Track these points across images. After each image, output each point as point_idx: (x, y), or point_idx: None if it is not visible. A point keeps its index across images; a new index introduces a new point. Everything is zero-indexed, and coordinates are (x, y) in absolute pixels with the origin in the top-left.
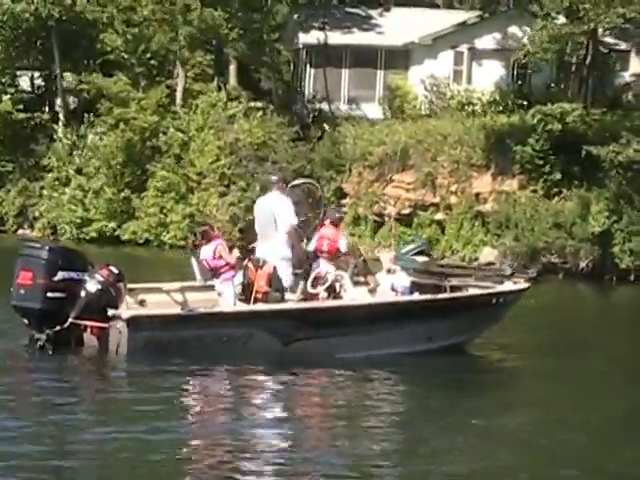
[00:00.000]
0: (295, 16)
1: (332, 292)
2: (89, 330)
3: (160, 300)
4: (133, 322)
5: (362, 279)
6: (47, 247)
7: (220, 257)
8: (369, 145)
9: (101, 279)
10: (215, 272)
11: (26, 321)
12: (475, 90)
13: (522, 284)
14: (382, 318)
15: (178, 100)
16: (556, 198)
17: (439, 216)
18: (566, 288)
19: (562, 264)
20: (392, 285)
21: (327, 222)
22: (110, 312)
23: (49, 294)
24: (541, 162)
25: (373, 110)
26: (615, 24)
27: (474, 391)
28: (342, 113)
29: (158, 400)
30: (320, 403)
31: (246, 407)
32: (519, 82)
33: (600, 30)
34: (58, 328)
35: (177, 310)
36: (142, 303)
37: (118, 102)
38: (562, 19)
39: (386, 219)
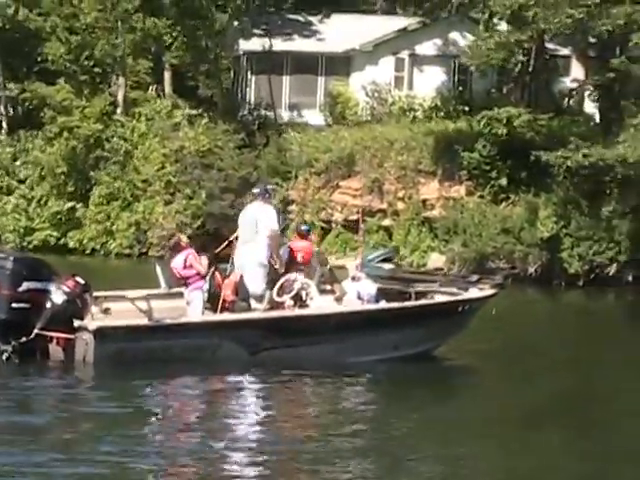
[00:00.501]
0: (235, 23)
1: (298, 300)
2: (55, 341)
3: (124, 308)
4: (100, 333)
5: (328, 287)
6: (12, 257)
7: (190, 266)
8: (315, 152)
9: (67, 290)
10: (185, 281)
11: None
12: (416, 96)
13: (488, 291)
14: (349, 327)
15: (119, 108)
16: (503, 204)
17: (386, 222)
18: (515, 293)
19: (510, 269)
20: (358, 293)
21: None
22: (76, 323)
23: (14, 305)
24: (488, 168)
25: (314, 116)
26: (564, 25)
27: (428, 394)
28: (284, 120)
29: (128, 412)
30: (294, 413)
31: (217, 417)
32: (460, 88)
33: (546, 36)
34: (24, 339)
35: (144, 321)
36: (106, 311)
37: (61, 111)
38: (504, 25)
39: (333, 225)
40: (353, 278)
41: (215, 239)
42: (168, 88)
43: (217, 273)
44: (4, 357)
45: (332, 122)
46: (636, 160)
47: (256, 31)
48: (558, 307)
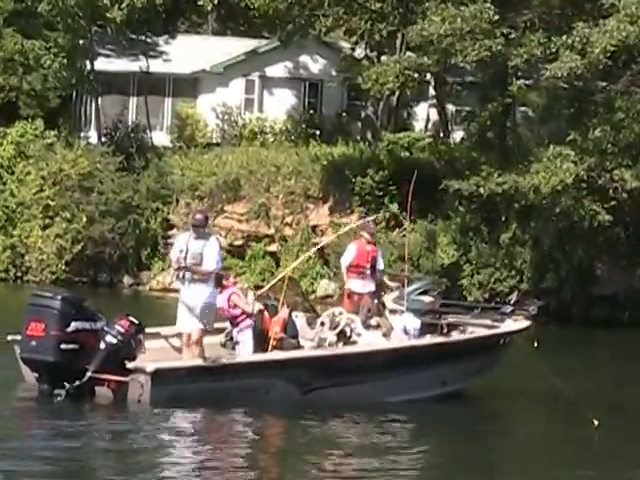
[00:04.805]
0: (80, 42)
1: (343, 337)
2: (105, 384)
3: (160, 346)
4: (157, 375)
5: (373, 322)
6: (59, 296)
7: (235, 306)
8: (198, 175)
9: (122, 330)
10: (233, 321)
11: (36, 374)
12: (267, 118)
13: (524, 322)
14: (402, 363)
15: None
16: (397, 230)
17: (273, 248)
18: None
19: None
20: (404, 327)
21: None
22: (131, 365)
23: (63, 346)
24: (380, 193)
25: (162, 138)
26: (481, 57)
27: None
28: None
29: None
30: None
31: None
32: (311, 111)
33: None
34: (78, 383)
35: (200, 361)
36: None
37: None
38: (359, 50)
39: None
40: (392, 311)
41: (95, 263)
42: None
43: (264, 310)
44: (57, 400)
45: (181, 144)
46: (549, 190)
47: (102, 51)
48: None
